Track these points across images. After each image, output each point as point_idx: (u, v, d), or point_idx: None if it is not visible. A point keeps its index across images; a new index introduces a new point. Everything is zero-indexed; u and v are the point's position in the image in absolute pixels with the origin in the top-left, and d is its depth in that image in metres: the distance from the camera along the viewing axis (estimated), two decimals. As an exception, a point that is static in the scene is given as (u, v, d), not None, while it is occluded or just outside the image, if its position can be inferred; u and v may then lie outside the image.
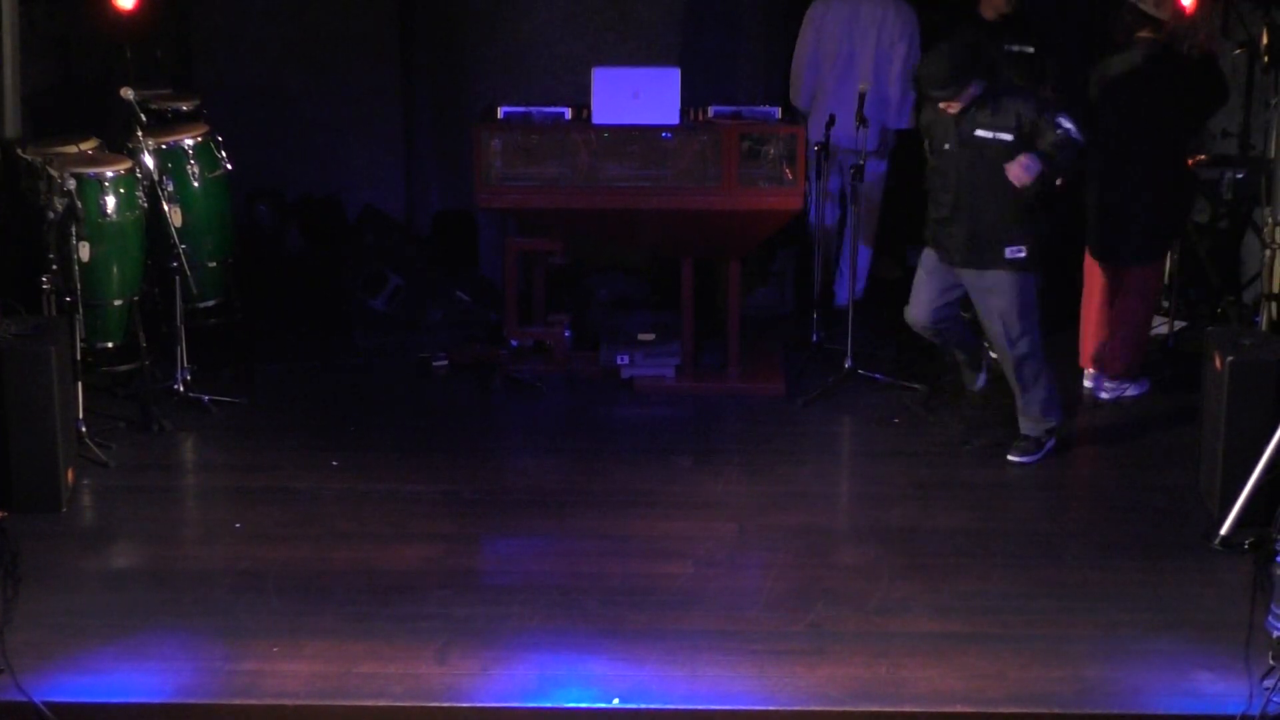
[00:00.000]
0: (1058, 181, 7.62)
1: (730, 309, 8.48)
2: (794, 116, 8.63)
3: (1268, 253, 7.88)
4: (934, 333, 7.58)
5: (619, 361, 8.45)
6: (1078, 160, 7.23)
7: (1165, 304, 8.64)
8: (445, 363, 8.61)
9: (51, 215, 7.41)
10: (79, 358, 7.39)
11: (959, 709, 5.53)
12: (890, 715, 5.52)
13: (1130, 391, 8.23)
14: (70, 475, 7.03)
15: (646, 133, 8.18)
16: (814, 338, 8.75)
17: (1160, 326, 8.58)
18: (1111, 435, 7.94)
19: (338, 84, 9.92)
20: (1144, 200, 7.97)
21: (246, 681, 5.64)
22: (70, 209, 7.44)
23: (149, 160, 7.88)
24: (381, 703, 5.54)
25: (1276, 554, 5.76)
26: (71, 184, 7.54)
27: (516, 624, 6.03)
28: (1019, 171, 7.02)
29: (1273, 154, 8.28)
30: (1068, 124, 7.09)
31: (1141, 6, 7.82)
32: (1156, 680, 5.69)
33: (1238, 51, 9.02)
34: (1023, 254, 7.23)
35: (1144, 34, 7.89)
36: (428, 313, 9.04)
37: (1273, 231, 7.81)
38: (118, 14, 8.38)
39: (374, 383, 8.53)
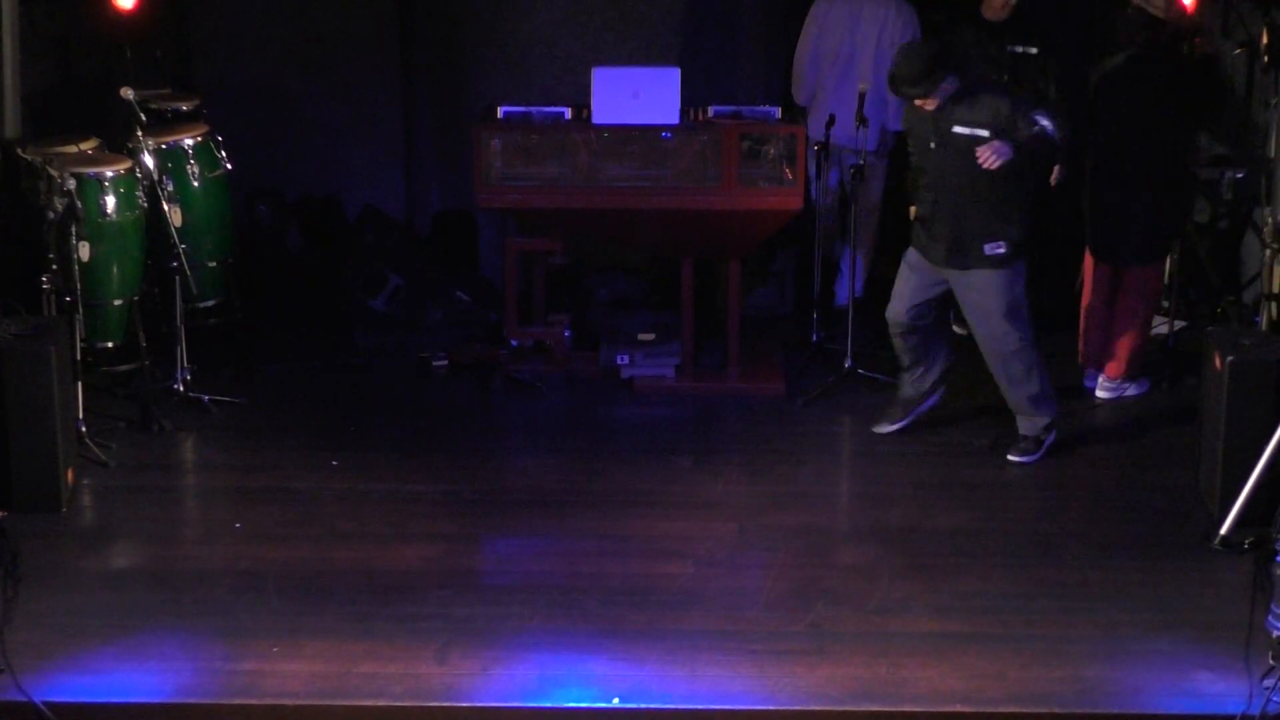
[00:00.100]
0: (1053, 179, 7.66)
1: (730, 309, 8.48)
2: (794, 116, 8.62)
3: (1268, 253, 7.88)
4: (908, 330, 7.55)
5: (619, 361, 8.45)
6: (1051, 155, 7.26)
7: (1165, 304, 8.63)
8: (445, 363, 8.61)
9: (51, 215, 7.42)
10: (79, 358, 7.39)
11: (959, 709, 5.53)
12: (890, 715, 5.52)
13: (1130, 391, 8.24)
14: (70, 475, 7.03)
15: (646, 133, 8.18)
16: (814, 338, 8.75)
17: (1160, 326, 8.58)
18: (1111, 435, 7.94)
19: (338, 84, 9.92)
20: (1144, 200, 7.97)
21: (246, 681, 5.64)
22: (70, 209, 7.44)
23: (149, 160, 7.88)
24: (381, 703, 5.54)
25: (1276, 554, 5.76)
26: (71, 184, 7.54)
27: (516, 624, 6.04)
28: (988, 154, 7.05)
29: (1272, 154, 8.28)
30: (1044, 120, 7.12)
31: (1144, 6, 7.82)
32: (1156, 680, 5.69)
33: (1238, 51, 9.02)
34: (1002, 250, 7.24)
35: (1145, 34, 7.90)
36: (428, 313, 9.03)
37: (1273, 231, 7.81)
38: (118, 14, 8.38)
39: (374, 383, 8.53)
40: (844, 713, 5.51)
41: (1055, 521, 6.99)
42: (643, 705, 5.54)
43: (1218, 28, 8.92)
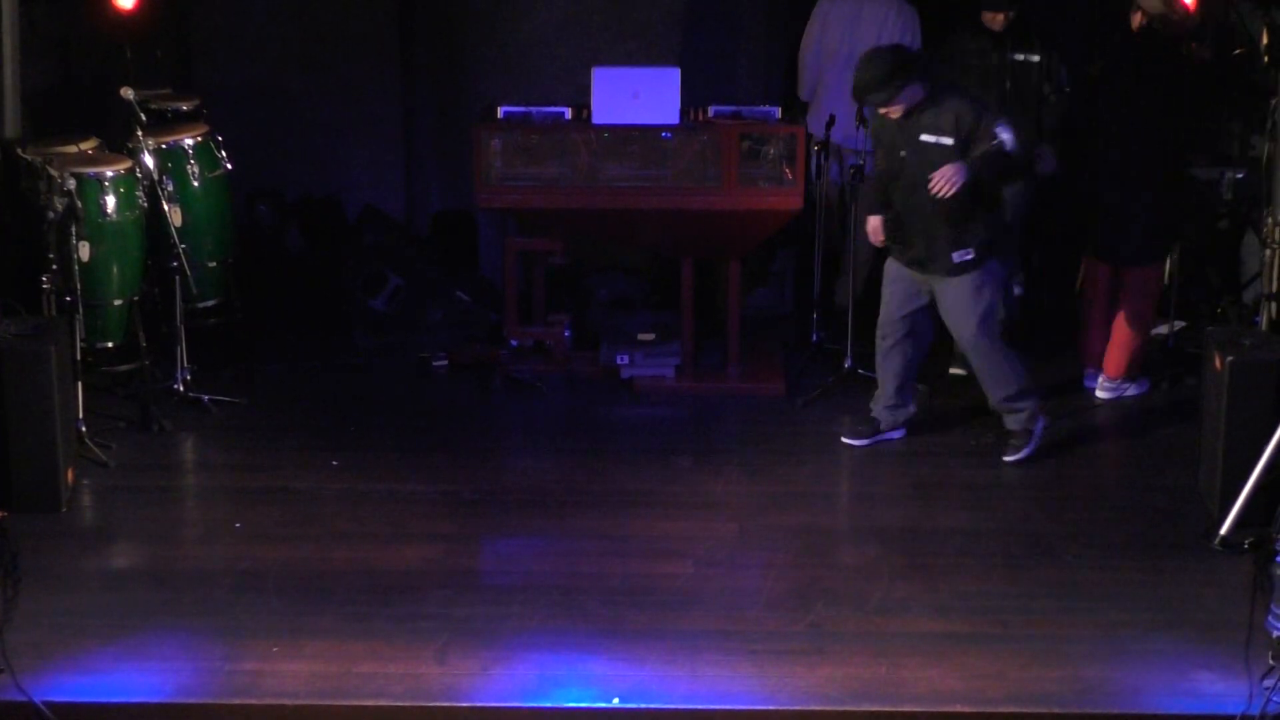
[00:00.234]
0: (1047, 168, 7.67)
1: (730, 309, 8.48)
2: (794, 116, 8.63)
3: (1268, 253, 7.88)
4: (901, 340, 7.55)
5: (619, 361, 8.45)
6: (1010, 169, 7.21)
7: (1166, 304, 8.63)
8: (445, 363, 8.62)
9: (51, 215, 7.41)
10: (79, 358, 7.39)
11: (959, 709, 5.53)
12: (890, 715, 5.52)
13: (1130, 391, 8.24)
14: (70, 475, 7.03)
15: (646, 133, 8.18)
16: (814, 338, 8.76)
17: (1160, 326, 8.58)
18: (1111, 435, 7.94)
19: (338, 84, 9.92)
20: (1144, 200, 7.98)
21: (246, 681, 5.63)
22: (70, 209, 7.44)
23: (149, 160, 7.88)
24: (381, 703, 5.54)
25: (1276, 554, 5.76)
26: (71, 184, 7.54)
27: (516, 624, 6.04)
28: (939, 181, 7.04)
29: (1273, 154, 8.28)
30: (1004, 134, 7.08)
31: (1147, 7, 7.82)
32: (1156, 680, 5.69)
33: (1237, 51, 9.01)
34: (970, 256, 7.25)
35: (1144, 34, 7.90)
36: (428, 313, 9.04)
37: (1273, 231, 7.81)
38: (118, 14, 8.39)
39: (374, 383, 8.53)
40: (844, 713, 5.51)
41: (1055, 521, 6.98)
42: (643, 705, 5.53)
43: (1212, 35, 8.91)
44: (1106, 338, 8.18)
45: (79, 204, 7.51)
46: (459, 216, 9.92)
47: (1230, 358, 6.76)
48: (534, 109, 8.40)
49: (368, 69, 9.97)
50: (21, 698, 5.47)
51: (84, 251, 7.59)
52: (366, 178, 9.96)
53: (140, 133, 7.86)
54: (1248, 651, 5.71)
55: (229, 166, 8.39)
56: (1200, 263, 8.92)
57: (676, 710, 5.54)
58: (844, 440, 7.72)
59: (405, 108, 10.05)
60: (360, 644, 5.87)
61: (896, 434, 7.75)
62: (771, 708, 5.54)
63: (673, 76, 8.18)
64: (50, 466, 6.86)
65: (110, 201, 7.73)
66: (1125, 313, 8.11)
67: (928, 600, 6.22)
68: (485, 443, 7.89)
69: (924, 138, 7.18)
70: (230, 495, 7.22)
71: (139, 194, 7.86)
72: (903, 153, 7.27)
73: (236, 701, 5.54)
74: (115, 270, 7.80)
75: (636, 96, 8.14)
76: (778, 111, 8.41)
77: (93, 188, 7.69)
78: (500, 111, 8.42)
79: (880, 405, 7.71)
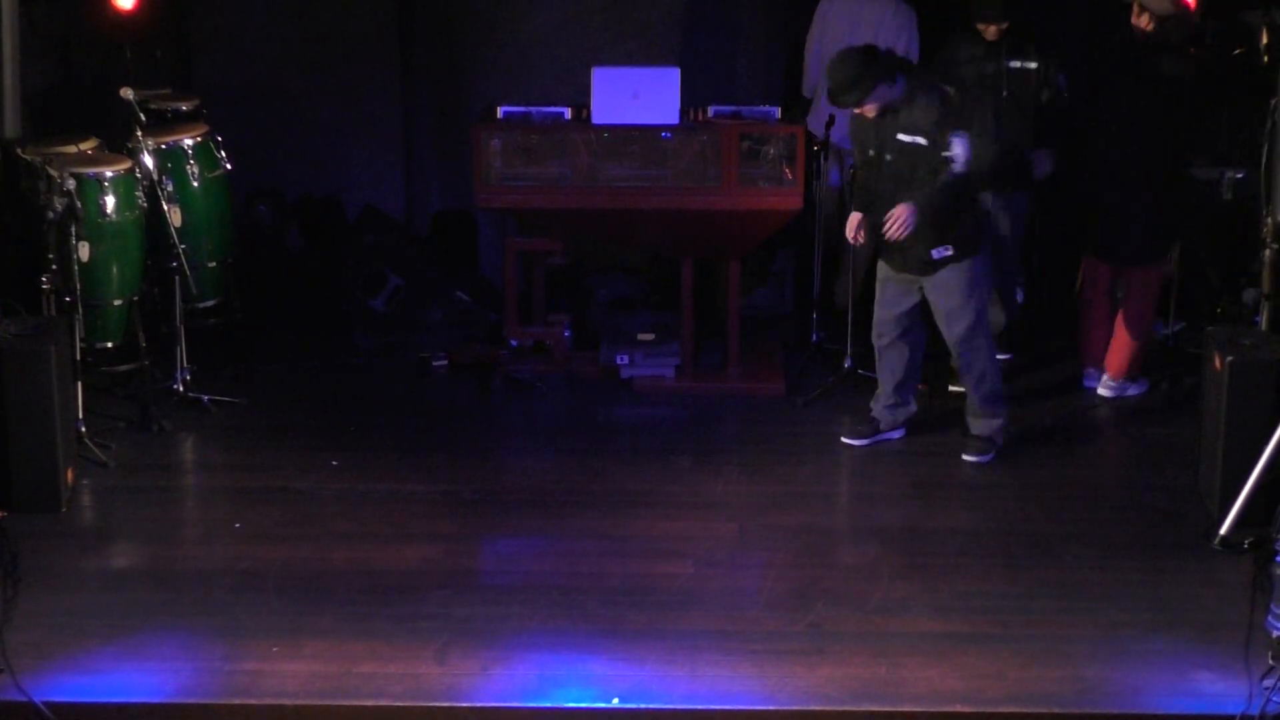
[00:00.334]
0: (1042, 172, 7.66)
1: (730, 309, 8.48)
2: (794, 117, 8.63)
3: (1268, 253, 7.87)
4: (900, 329, 7.56)
5: (619, 361, 8.45)
6: (964, 191, 7.18)
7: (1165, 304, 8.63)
8: (445, 363, 8.62)
9: (51, 215, 7.41)
10: (79, 358, 7.39)
11: (959, 709, 5.53)
12: (890, 715, 5.52)
13: (1130, 391, 8.24)
14: (70, 475, 7.03)
15: (646, 133, 8.19)
16: (814, 338, 8.76)
17: (1160, 327, 8.58)
18: (1111, 435, 7.95)
19: (338, 84, 9.92)
20: (1144, 200, 7.98)
21: (246, 681, 5.63)
22: (70, 209, 7.44)
23: (149, 160, 7.88)
24: (381, 703, 5.54)
25: (1276, 554, 5.76)
26: (71, 184, 7.54)
27: (516, 624, 6.03)
28: (891, 225, 7.06)
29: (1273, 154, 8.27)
30: (957, 149, 7.05)
31: (1156, 8, 7.82)
32: (1156, 680, 5.69)
33: (1237, 51, 9.01)
34: (950, 252, 7.24)
35: (1143, 33, 7.90)
36: (428, 313, 9.04)
37: (1272, 231, 7.80)
38: (118, 14, 8.39)
39: (374, 383, 8.53)
40: (844, 713, 5.51)
41: (1055, 521, 6.98)
42: (643, 705, 5.53)
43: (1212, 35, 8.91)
44: (1107, 338, 8.19)
45: (79, 204, 7.51)
46: (459, 216, 9.92)
47: (1230, 358, 6.76)
48: (534, 109, 8.41)
49: (368, 69, 9.98)
50: (21, 698, 5.47)
51: (84, 251, 7.59)
52: (366, 178, 9.96)
53: (140, 133, 7.86)
54: (1247, 651, 5.71)
55: (229, 166, 8.39)
56: (1200, 262, 8.91)
57: (676, 710, 5.54)
58: (844, 440, 7.72)
59: (405, 108, 10.05)
60: (360, 644, 5.87)
61: (896, 434, 7.75)
62: (771, 708, 5.54)
63: (672, 76, 8.18)
64: (50, 466, 6.86)
65: (110, 201, 7.73)
66: (1126, 313, 8.11)
67: (927, 600, 6.22)
68: (485, 443, 7.89)
69: (900, 137, 7.17)
70: (230, 495, 7.23)
71: (139, 194, 7.85)
72: (887, 156, 7.25)
73: (236, 701, 5.54)
74: (115, 270, 7.79)
75: (636, 96, 8.15)
76: (777, 111, 8.42)
77: (92, 188, 7.68)
78: (500, 111, 8.42)
79: (880, 405, 7.72)
